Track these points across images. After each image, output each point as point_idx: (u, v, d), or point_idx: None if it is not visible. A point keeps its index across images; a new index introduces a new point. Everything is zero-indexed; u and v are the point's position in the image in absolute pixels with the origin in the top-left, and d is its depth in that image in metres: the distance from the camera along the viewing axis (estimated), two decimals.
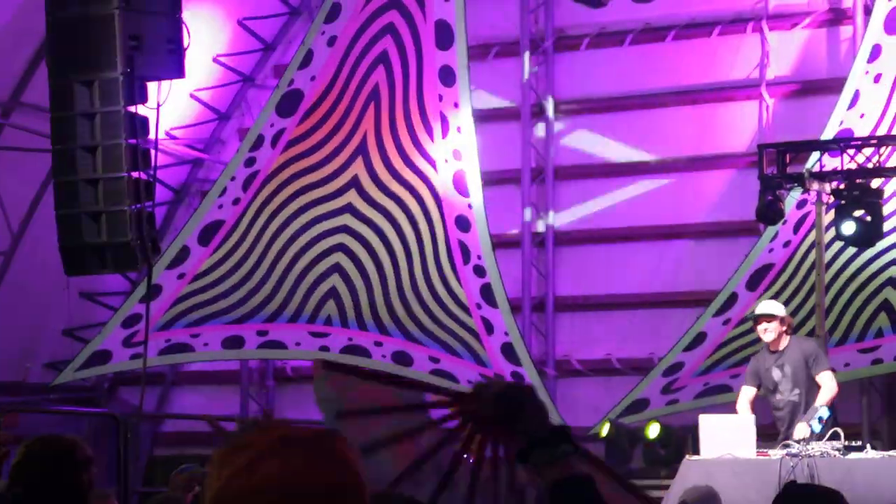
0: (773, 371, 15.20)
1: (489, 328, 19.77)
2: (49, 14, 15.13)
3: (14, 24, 19.54)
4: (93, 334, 21.28)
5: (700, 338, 19.77)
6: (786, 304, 16.97)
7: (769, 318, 15.30)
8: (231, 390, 23.33)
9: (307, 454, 2.82)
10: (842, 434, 14.43)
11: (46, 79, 15.81)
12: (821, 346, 16.00)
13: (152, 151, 15.48)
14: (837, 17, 20.60)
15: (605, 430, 19.59)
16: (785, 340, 15.33)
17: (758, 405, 15.47)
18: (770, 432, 15.33)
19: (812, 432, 14.49)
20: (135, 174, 14.97)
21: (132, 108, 14.93)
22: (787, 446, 14.30)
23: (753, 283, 19.54)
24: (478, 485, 4.46)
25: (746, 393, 15.40)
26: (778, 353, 15.28)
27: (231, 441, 2.97)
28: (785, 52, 20.80)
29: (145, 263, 16.30)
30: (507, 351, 19.71)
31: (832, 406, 14.94)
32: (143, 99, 15.08)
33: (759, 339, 16.07)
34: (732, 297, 19.68)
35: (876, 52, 19.32)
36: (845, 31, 20.42)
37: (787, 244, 19.37)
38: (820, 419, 14.62)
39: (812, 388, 15.06)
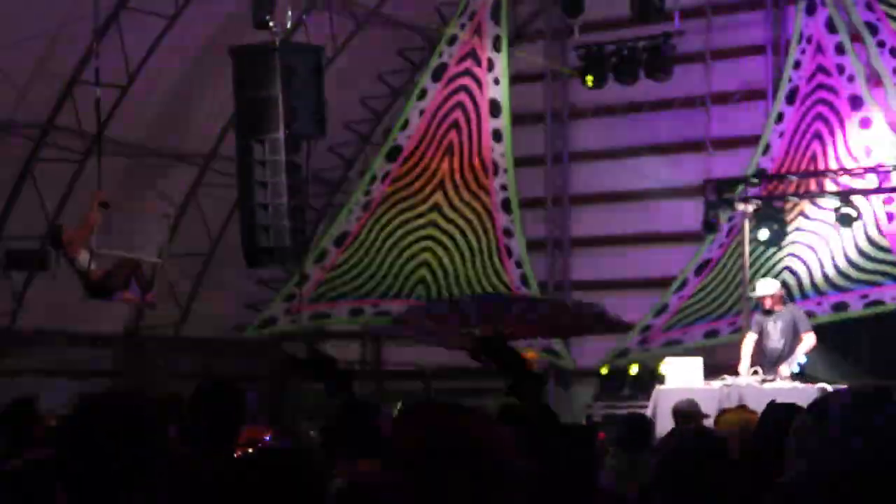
0: (769, 323, 14.85)
1: None
2: (237, 95, 15.34)
3: (212, 103, 19.70)
4: (265, 307, 21.51)
5: (663, 308, 19.76)
6: (718, 285, 16.93)
7: (767, 297, 14.96)
8: (354, 343, 23.46)
9: None
10: (760, 370, 14.41)
11: (234, 138, 16.08)
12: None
13: (305, 186, 15.66)
14: (755, 94, 20.55)
15: (604, 370, 19.70)
16: (779, 306, 14.94)
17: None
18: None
19: (792, 372, 14.41)
20: (292, 201, 15.17)
21: (291, 157, 15.13)
22: (723, 379, 14.34)
23: (699, 270, 19.52)
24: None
25: (751, 337, 15.02)
26: (774, 313, 14.89)
27: None
28: (721, 118, 20.76)
29: (298, 261, 16.51)
30: None
31: (807, 355, 14.74)
32: (298, 151, 15.26)
33: (700, 310, 15.98)
34: (685, 281, 19.69)
35: (780, 117, 19.31)
36: (760, 104, 20.33)
37: (721, 245, 19.35)
38: (799, 364, 14.58)
39: (794, 341, 14.70)
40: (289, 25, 17.11)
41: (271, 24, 14.77)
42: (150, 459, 3.78)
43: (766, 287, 15.29)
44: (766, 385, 13.93)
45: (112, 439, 3.69)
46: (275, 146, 14.82)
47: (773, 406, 5.46)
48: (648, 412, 14.13)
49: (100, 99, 15.37)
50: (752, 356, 14.76)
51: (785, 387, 13.79)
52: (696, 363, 14.80)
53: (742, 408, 9.15)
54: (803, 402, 3.04)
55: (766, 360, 14.84)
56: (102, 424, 3.72)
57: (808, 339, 14.77)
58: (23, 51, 16.77)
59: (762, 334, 14.99)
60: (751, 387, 13.79)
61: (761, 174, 18.76)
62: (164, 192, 20.11)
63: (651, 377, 16.98)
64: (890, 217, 18.12)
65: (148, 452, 3.76)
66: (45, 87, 17.89)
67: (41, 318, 18.90)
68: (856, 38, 18.83)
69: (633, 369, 18.98)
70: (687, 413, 10.63)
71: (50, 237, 15.30)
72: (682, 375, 14.59)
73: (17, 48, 16.58)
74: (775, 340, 14.85)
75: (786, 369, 14.46)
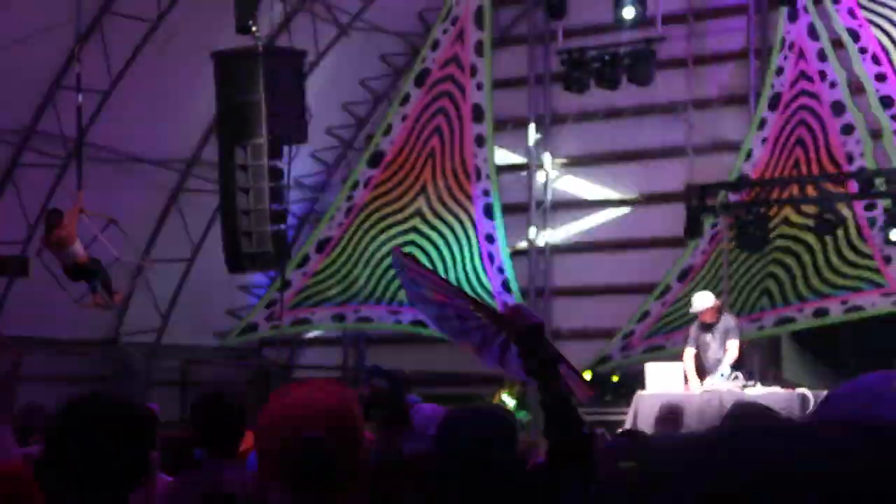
0: (707, 335, 14.83)
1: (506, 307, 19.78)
2: (219, 100, 15.39)
3: (190, 109, 19.75)
4: (246, 313, 21.54)
5: (645, 315, 19.77)
6: (702, 290, 16.95)
7: (705, 311, 14.91)
8: (335, 349, 23.48)
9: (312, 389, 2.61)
10: (741, 376, 14.49)
11: (217, 143, 16.12)
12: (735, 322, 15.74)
13: (286, 191, 15.72)
14: (737, 100, 20.66)
15: (586, 376, 19.76)
16: (716, 317, 14.90)
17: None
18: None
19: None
20: (274, 206, 15.22)
21: (273, 162, 15.18)
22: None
23: (682, 276, 19.59)
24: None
25: (689, 352, 14.95)
26: (712, 325, 14.87)
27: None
28: (702, 125, 20.86)
29: (280, 266, 16.55)
30: None
31: (734, 364, 14.72)
32: (280, 156, 15.31)
33: (683, 316, 16.02)
34: (667, 288, 19.76)
35: (763, 123, 19.42)
36: (742, 109, 20.45)
37: (703, 252, 19.44)
38: (722, 374, 14.53)
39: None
40: (270, 30, 17.15)
41: (254, 28, 14.82)
42: (146, 459, 3.79)
43: (704, 300, 15.14)
44: (748, 390, 14.03)
45: (111, 438, 3.68)
46: (257, 151, 14.88)
47: (738, 405, 5.58)
48: (629, 418, 14.25)
49: (81, 105, 15.46)
50: (696, 370, 14.85)
51: (766, 392, 13.88)
52: (677, 369, 14.87)
53: None
54: (783, 407, 3.13)
55: (708, 372, 14.85)
56: (100, 422, 3.72)
57: (732, 350, 14.67)
58: (4, 55, 16.79)
59: (701, 347, 15.01)
60: (731, 392, 13.84)
61: (744, 180, 18.87)
62: (145, 197, 20.17)
63: (632, 382, 17.08)
64: (871, 223, 18.24)
65: (145, 451, 3.76)
66: (27, 91, 17.93)
67: (20, 325, 18.88)
68: (838, 44, 18.96)
69: (616, 375, 19.07)
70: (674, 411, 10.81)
71: (47, 218, 15.53)
72: (663, 381, 14.66)
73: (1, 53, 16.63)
74: (714, 350, 14.84)
75: (710, 380, 14.46)
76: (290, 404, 2.52)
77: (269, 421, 2.56)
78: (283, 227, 15.50)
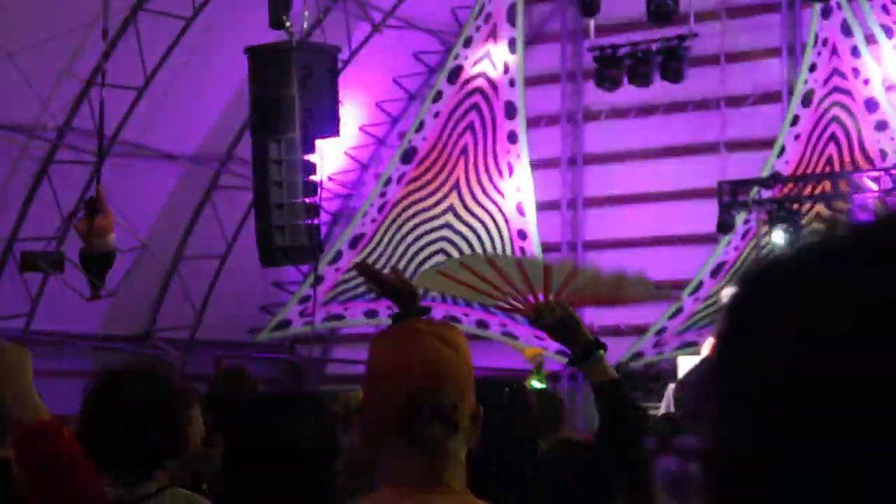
0: None
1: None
2: (253, 95, 15.48)
3: (228, 105, 19.89)
4: (279, 309, 21.64)
5: (679, 311, 19.83)
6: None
7: None
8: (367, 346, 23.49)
9: (432, 340, 2.50)
10: None
11: (250, 138, 16.22)
12: None
13: (319, 186, 15.80)
14: (770, 97, 20.69)
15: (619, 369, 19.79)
16: None
17: None
18: None
19: None
20: (307, 200, 15.31)
21: (306, 157, 15.27)
22: None
23: (714, 273, 19.63)
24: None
25: (710, 342, 15.27)
26: None
27: (381, 332, 2.76)
28: (735, 121, 20.88)
29: (314, 260, 16.65)
30: None
31: None
32: (313, 151, 15.39)
33: (716, 312, 16.04)
34: (700, 284, 19.79)
35: (796, 120, 19.43)
36: (775, 105, 20.46)
37: (736, 248, 19.46)
38: None
39: None
40: (305, 26, 17.25)
41: (288, 24, 14.93)
42: (180, 430, 3.91)
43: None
44: None
45: (146, 408, 3.77)
46: (291, 145, 14.97)
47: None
48: (661, 409, 14.28)
49: (103, 101, 15.65)
50: None
51: None
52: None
53: None
54: None
55: None
56: (135, 394, 3.81)
57: None
58: (41, 53, 16.96)
59: None
60: None
61: (776, 176, 18.88)
62: (179, 193, 20.34)
63: (664, 377, 17.09)
64: None
65: (179, 423, 3.89)
66: (65, 89, 18.11)
67: (54, 320, 19.07)
68: (871, 40, 18.95)
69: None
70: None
71: (88, 205, 15.63)
72: None
73: (36, 50, 16.78)
74: None
75: None
76: (409, 356, 2.51)
77: (386, 372, 2.53)
78: (316, 221, 15.55)
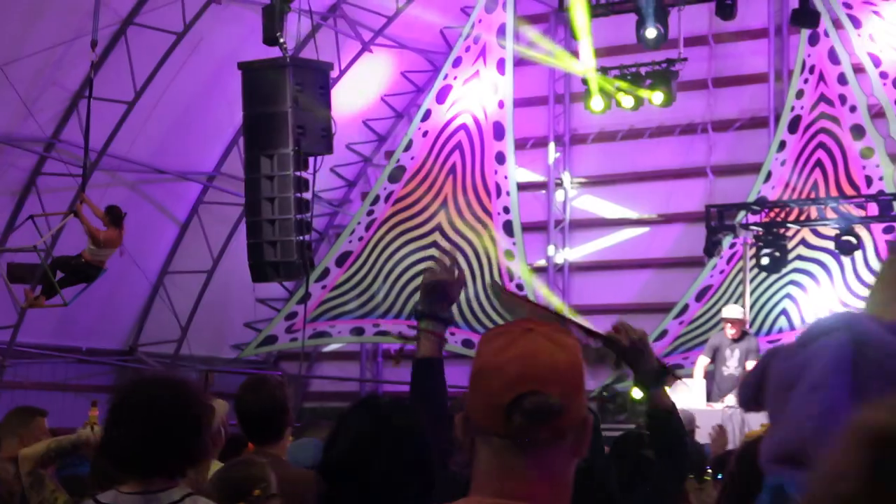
0: (727, 350, 14.99)
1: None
2: (245, 111, 15.48)
3: (216, 120, 19.88)
4: (265, 325, 21.61)
5: (663, 334, 19.74)
6: (719, 311, 17.00)
7: (734, 320, 15.15)
8: (353, 364, 23.51)
9: (543, 341, 2.39)
10: None
11: (241, 154, 16.22)
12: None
13: (310, 200, 15.79)
14: (757, 122, 20.76)
15: (602, 393, 19.75)
16: (739, 334, 15.04)
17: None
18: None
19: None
20: (299, 216, 15.30)
21: (298, 173, 15.26)
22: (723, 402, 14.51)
23: (699, 296, 19.66)
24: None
25: (702, 361, 15.25)
26: (734, 341, 15.01)
27: (493, 329, 2.56)
28: (722, 146, 20.96)
29: (304, 276, 16.64)
30: None
31: None
32: (305, 167, 15.39)
33: (700, 335, 16.06)
34: (685, 307, 19.84)
35: (782, 145, 19.51)
36: (762, 130, 20.53)
37: (721, 272, 19.51)
38: None
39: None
40: (294, 45, 17.28)
41: (282, 40, 14.95)
42: (201, 441, 3.96)
43: (733, 311, 15.45)
44: None
45: (167, 419, 3.84)
46: (283, 161, 14.98)
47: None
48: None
49: (89, 113, 15.61)
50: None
51: None
52: (699, 386, 14.95)
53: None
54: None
55: (719, 386, 14.98)
56: (158, 405, 3.87)
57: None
58: (31, 64, 16.97)
59: (717, 360, 15.13)
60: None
61: (762, 201, 18.94)
62: (166, 208, 20.32)
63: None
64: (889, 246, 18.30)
65: (199, 434, 3.94)
66: (53, 101, 18.09)
67: (40, 334, 19.02)
68: (858, 68, 19.06)
69: (635, 392, 19.05)
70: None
71: (116, 213, 15.61)
72: (685, 397, 14.72)
73: (26, 62, 16.78)
74: (732, 368, 14.94)
75: (731, 397, 14.43)
76: (524, 358, 2.38)
77: (491, 371, 2.40)
78: (307, 237, 15.55)
